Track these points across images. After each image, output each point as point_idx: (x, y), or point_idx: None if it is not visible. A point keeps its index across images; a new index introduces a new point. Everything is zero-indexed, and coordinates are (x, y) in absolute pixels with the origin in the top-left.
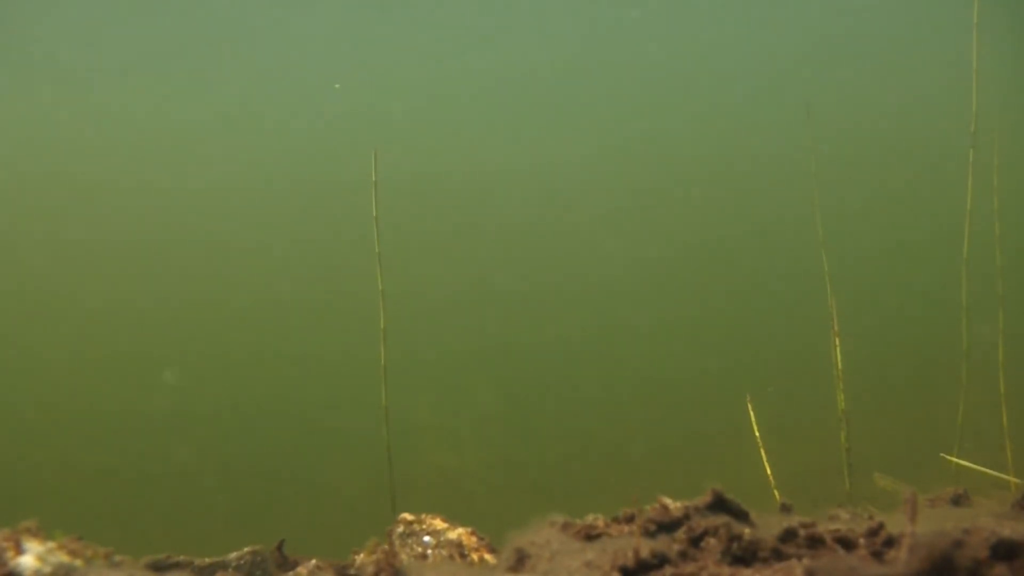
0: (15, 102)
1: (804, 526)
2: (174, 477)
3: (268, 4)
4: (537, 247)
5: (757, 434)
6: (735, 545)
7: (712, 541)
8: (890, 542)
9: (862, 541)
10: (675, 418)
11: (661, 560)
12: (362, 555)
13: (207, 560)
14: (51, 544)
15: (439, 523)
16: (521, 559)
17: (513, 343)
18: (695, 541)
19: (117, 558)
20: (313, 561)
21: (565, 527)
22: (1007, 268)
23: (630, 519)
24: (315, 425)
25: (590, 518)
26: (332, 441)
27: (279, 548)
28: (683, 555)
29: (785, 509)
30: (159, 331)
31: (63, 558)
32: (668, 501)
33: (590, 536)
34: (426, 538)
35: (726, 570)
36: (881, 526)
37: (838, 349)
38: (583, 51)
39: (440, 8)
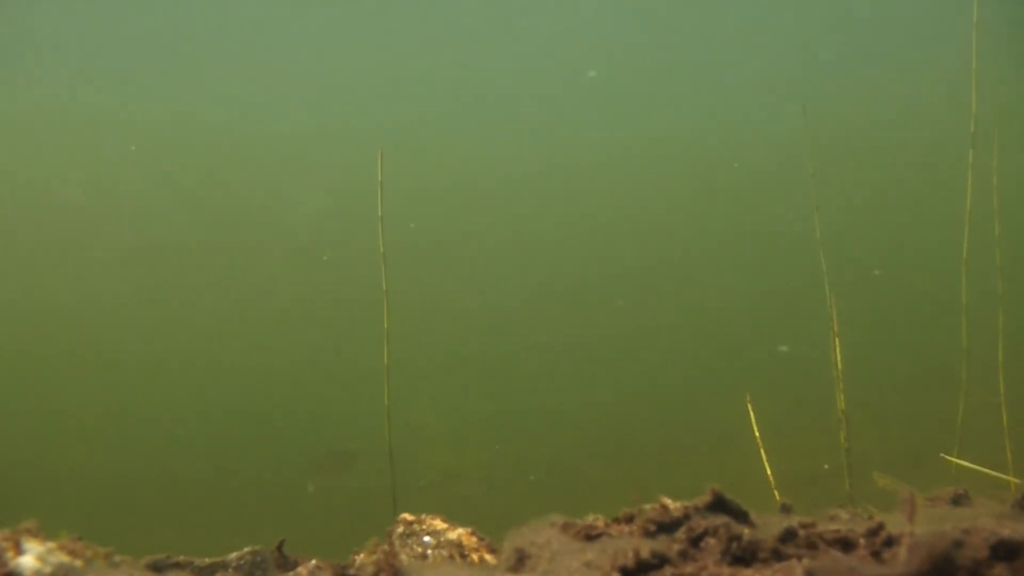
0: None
1: (804, 526)
2: (174, 477)
3: (269, 4)
4: (538, 249)
5: (757, 434)
6: (735, 545)
7: (712, 541)
8: (890, 542)
9: (862, 541)
10: (675, 418)
11: (661, 560)
12: (362, 555)
13: (207, 560)
14: (51, 544)
15: (439, 523)
16: (521, 559)
17: (514, 344)
18: (695, 541)
19: (117, 558)
20: (313, 561)
21: (565, 527)
22: (1007, 268)
23: (630, 519)
24: (315, 425)
25: (590, 518)
26: (333, 441)
27: (279, 548)
28: (683, 555)
29: (785, 509)
30: (160, 332)
31: (63, 558)
32: (668, 501)
33: (590, 536)
34: (426, 538)
35: (726, 570)
36: (881, 526)
37: (838, 349)
38: (582, 53)
39: (438, 10)
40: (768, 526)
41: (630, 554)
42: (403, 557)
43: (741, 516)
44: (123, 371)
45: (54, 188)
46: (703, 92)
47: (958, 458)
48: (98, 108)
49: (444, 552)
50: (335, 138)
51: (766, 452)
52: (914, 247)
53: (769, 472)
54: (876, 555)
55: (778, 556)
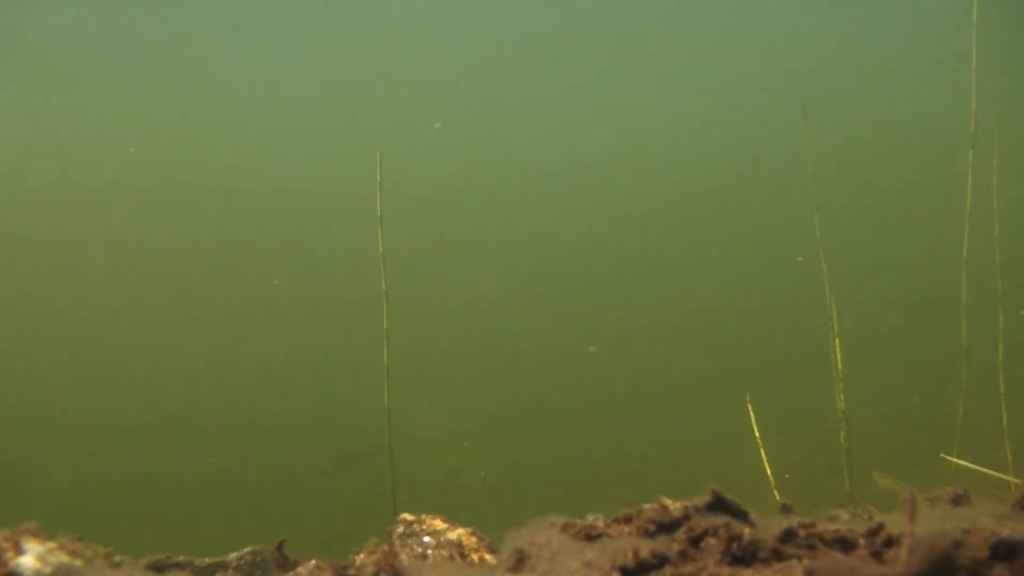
0: (9, 103)
1: (804, 526)
2: (174, 477)
3: (271, 3)
4: (538, 249)
5: (757, 434)
6: (735, 545)
7: (712, 541)
8: (890, 542)
9: (862, 541)
10: (675, 419)
11: (661, 560)
12: (362, 555)
13: (207, 560)
14: (51, 544)
15: (439, 523)
16: (521, 559)
17: (514, 344)
18: (695, 541)
19: (117, 558)
20: (313, 561)
21: (565, 527)
22: (1007, 268)
23: (630, 519)
24: (315, 425)
25: (590, 518)
26: (333, 441)
27: (279, 548)
28: (683, 555)
29: (785, 509)
30: (159, 333)
31: (63, 558)
32: (668, 501)
33: (590, 536)
34: (426, 538)
35: (726, 570)
36: (881, 526)
37: (838, 349)
38: (586, 55)
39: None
40: (768, 526)
41: (630, 554)
42: (403, 557)
43: (741, 516)
44: (123, 371)
45: (53, 188)
46: (701, 92)
47: (958, 458)
48: (97, 108)
49: (444, 552)
50: (334, 138)
51: (766, 452)
52: (914, 247)
53: (769, 472)
54: (876, 555)
55: (778, 556)
